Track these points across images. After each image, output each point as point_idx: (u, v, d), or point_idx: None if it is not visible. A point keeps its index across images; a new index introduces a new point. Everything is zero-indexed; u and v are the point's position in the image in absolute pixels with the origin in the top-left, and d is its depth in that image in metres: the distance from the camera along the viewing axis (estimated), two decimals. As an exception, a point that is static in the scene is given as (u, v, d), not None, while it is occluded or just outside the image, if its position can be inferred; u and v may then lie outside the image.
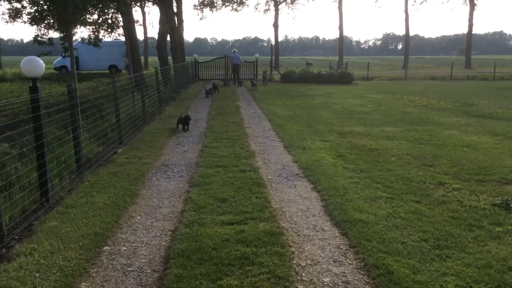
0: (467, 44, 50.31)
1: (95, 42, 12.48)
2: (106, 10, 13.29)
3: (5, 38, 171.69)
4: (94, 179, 6.12)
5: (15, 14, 10.51)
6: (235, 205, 5.08)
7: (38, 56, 11.30)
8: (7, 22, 12.65)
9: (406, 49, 50.84)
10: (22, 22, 10.80)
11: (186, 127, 10.32)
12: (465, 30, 62.39)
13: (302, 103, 15.93)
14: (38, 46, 11.46)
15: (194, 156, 7.70)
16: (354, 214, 4.81)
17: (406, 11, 48.33)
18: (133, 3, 16.12)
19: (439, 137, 9.44)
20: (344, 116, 12.68)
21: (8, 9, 11.18)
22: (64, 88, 6.58)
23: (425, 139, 9.25)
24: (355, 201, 5.26)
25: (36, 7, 10.13)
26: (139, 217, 4.79)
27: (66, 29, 9.59)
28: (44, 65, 5.20)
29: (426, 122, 11.62)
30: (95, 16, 13.25)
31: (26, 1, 10.31)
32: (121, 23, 14.44)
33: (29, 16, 10.32)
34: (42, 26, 10.81)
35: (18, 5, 10.53)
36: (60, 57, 34.50)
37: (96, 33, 13.15)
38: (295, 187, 5.95)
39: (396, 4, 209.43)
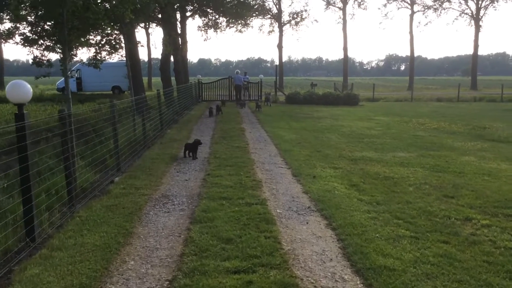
0: (473, 65, 49.96)
1: (95, 63, 12.08)
2: (108, 31, 12.93)
3: (11, 59, 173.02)
4: (86, 214, 5.57)
5: (7, 35, 10.13)
6: (241, 247, 4.51)
7: (36, 78, 10.96)
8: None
9: (411, 70, 50.68)
10: (14, 43, 10.37)
11: (194, 154, 9.53)
12: (468, 51, 62.44)
13: (309, 126, 15.42)
14: (42, 67, 11.07)
15: (196, 186, 7.16)
16: (377, 259, 4.23)
17: (411, 32, 48.37)
18: (135, 24, 15.80)
19: (456, 164, 8.88)
20: (354, 140, 12.15)
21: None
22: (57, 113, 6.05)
23: (442, 166, 8.69)
24: (376, 242, 4.68)
25: (30, 27, 9.75)
26: (132, 262, 4.22)
27: (63, 51, 9.18)
28: (31, 90, 4.69)
29: (440, 147, 11.08)
30: (98, 37, 12.89)
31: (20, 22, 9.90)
32: (123, 44, 14.09)
33: (21, 37, 9.92)
34: (38, 47, 10.42)
35: (12, 25, 10.15)
36: (63, 78, 34.35)
37: (98, 55, 12.76)
38: (307, 223, 5.38)
39: (400, 25, 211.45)
